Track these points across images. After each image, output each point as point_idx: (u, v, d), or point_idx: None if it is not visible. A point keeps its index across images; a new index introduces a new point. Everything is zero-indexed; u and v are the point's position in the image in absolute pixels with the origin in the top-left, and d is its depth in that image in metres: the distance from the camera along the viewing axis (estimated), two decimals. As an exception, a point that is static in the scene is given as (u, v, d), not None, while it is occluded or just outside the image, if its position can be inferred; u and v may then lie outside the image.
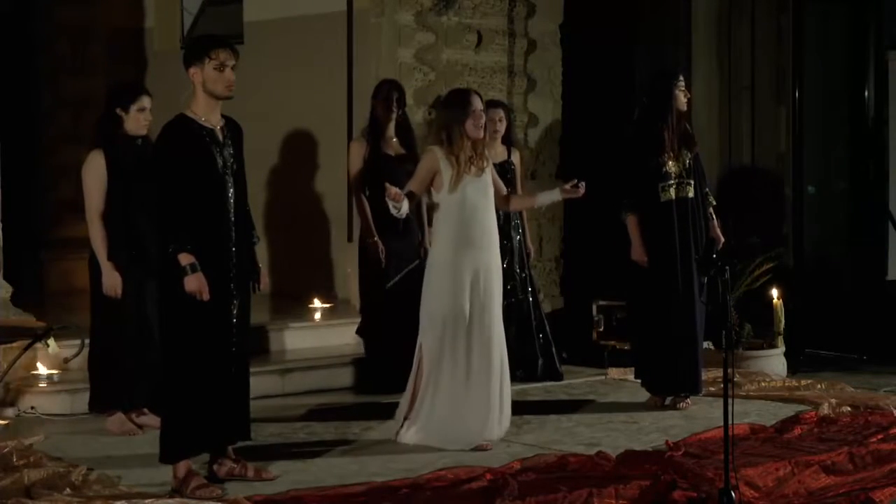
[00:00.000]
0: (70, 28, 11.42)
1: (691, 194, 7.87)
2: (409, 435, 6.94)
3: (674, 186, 7.84)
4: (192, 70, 6.07)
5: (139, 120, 7.22)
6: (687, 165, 7.87)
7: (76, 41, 11.45)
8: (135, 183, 7.11)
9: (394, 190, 6.69)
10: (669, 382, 7.94)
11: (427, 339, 6.92)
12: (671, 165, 7.83)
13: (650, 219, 7.85)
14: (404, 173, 8.49)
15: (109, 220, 7.14)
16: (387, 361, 8.41)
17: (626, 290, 8.21)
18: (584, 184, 7.06)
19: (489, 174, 6.99)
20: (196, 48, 6.13)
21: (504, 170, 8.49)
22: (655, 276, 7.85)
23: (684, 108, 7.91)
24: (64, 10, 11.35)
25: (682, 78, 7.94)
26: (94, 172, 7.16)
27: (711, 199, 8.09)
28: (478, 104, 6.89)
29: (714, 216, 8.05)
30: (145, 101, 7.26)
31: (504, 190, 7.28)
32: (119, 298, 7.10)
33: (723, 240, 8.01)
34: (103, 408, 7.31)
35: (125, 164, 7.16)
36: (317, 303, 9.60)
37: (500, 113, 8.68)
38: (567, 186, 7.12)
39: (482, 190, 6.92)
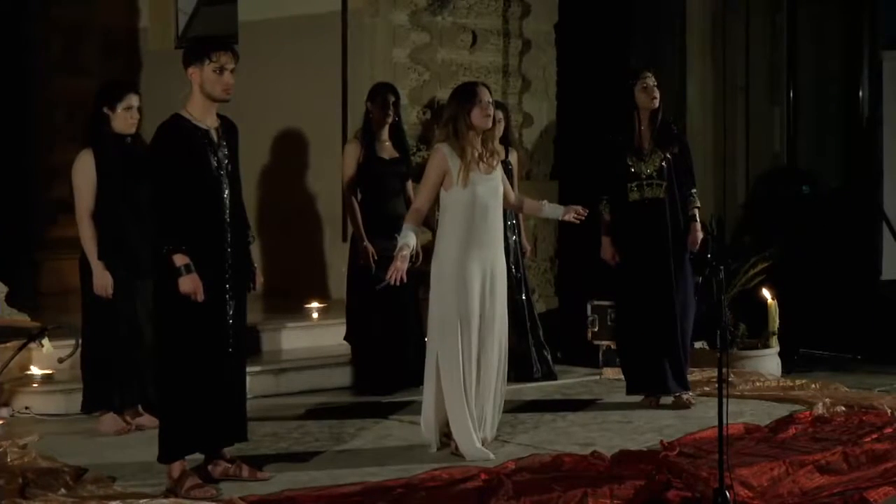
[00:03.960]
0: (64, 27, 11.40)
1: (661, 195, 7.86)
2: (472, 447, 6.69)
3: (642, 187, 7.85)
4: (190, 70, 6.06)
5: (126, 119, 7.19)
6: (657, 166, 7.86)
7: (70, 41, 11.43)
8: (123, 182, 7.10)
9: (398, 271, 6.57)
10: (639, 382, 7.98)
11: (444, 345, 6.70)
12: (638, 166, 7.84)
13: (620, 218, 7.90)
14: (397, 176, 8.53)
15: (98, 220, 7.13)
16: (379, 362, 8.42)
17: (610, 289, 8.29)
18: (586, 212, 7.09)
19: (499, 173, 6.87)
20: (197, 49, 6.10)
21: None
22: (623, 276, 7.93)
23: (653, 105, 7.84)
24: (58, 10, 11.34)
25: (645, 76, 7.87)
26: (84, 172, 7.15)
27: (696, 200, 8.05)
28: (485, 95, 6.72)
29: (697, 218, 8.03)
30: (132, 100, 7.22)
31: (513, 195, 7.18)
32: (109, 298, 7.09)
33: (699, 240, 7.99)
34: (95, 408, 7.30)
35: (114, 164, 7.15)
36: (311, 303, 9.59)
37: (500, 114, 8.67)
38: (573, 212, 7.06)
39: (493, 189, 6.78)
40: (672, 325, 7.84)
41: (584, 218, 7.10)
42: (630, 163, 7.84)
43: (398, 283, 6.67)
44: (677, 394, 7.92)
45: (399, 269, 6.59)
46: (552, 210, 7.27)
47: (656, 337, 7.85)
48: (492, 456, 6.60)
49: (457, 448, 6.70)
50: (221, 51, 6.05)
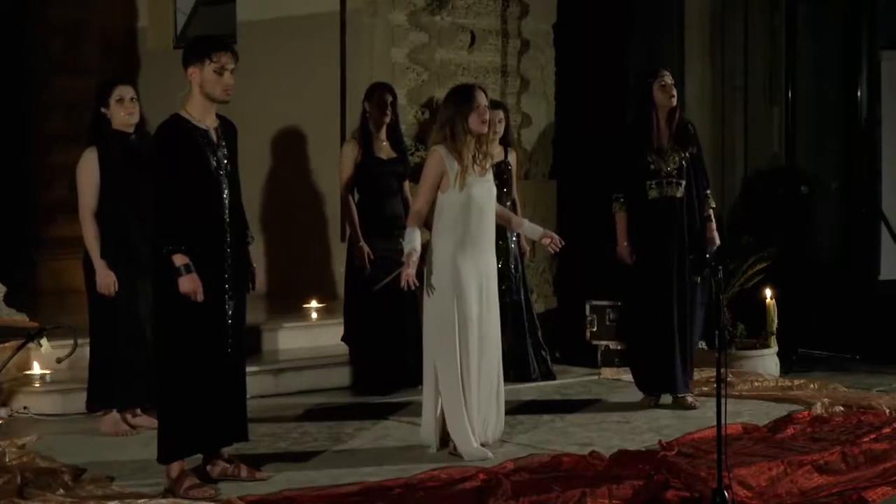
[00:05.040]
0: (63, 27, 11.41)
1: (679, 194, 7.86)
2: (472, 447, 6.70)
3: (660, 185, 7.84)
4: (190, 70, 6.04)
5: (121, 111, 7.17)
6: (677, 164, 7.86)
7: (69, 41, 11.44)
8: (127, 181, 7.10)
9: (409, 277, 6.61)
10: (649, 380, 7.97)
11: (440, 346, 6.71)
12: (658, 164, 7.84)
13: (637, 217, 7.87)
14: (394, 176, 8.53)
15: (102, 219, 7.13)
16: (377, 363, 8.41)
17: (617, 287, 8.25)
18: (563, 244, 7.07)
19: (491, 175, 6.89)
20: (197, 48, 6.09)
21: (500, 170, 8.50)
22: (637, 274, 7.89)
23: (671, 104, 7.84)
24: (57, 10, 11.34)
25: (663, 74, 7.88)
26: (87, 170, 7.15)
27: (711, 201, 8.05)
28: (482, 99, 6.73)
29: (713, 218, 8.03)
30: (121, 91, 7.18)
31: (497, 205, 7.12)
32: (112, 297, 7.09)
33: (717, 243, 8.00)
34: (99, 407, 7.30)
35: (118, 162, 7.15)
36: (311, 303, 9.59)
37: (500, 114, 8.67)
38: (549, 238, 7.06)
39: (488, 191, 6.79)
40: (690, 326, 7.84)
41: (559, 248, 7.08)
42: (650, 160, 7.82)
43: (412, 287, 6.70)
44: (682, 394, 7.92)
45: (410, 275, 6.63)
46: (531, 230, 7.25)
47: (673, 337, 7.83)
48: (490, 455, 6.60)
49: (455, 448, 6.71)
50: (223, 51, 6.04)
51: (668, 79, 7.87)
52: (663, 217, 7.83)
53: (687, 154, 7.89)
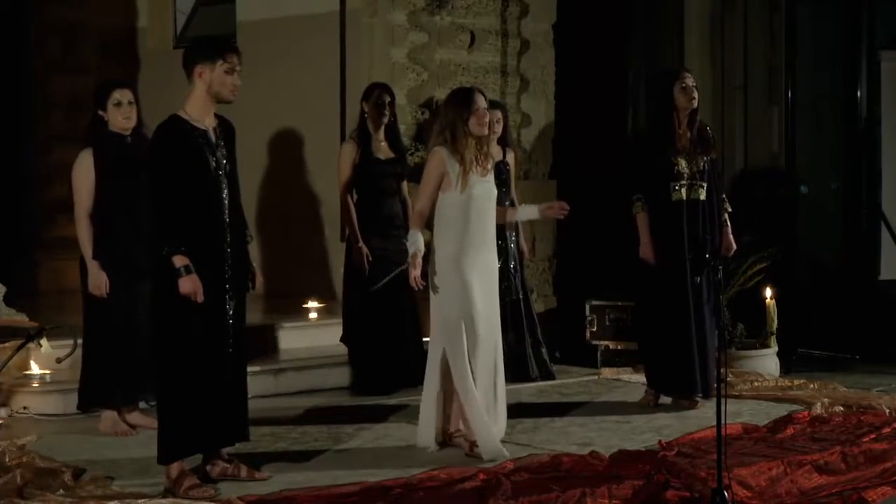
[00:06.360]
0: (62, 28, 11.41)
1: (703, 196, 7.83)
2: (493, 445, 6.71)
3: (685, 187, 7.81)
4: (198, 68, 6.02)
5: (117, 115, 7.17)
6: (701, 167, 7.84)
7: (68, 41, 11.44)
8: (122, 182, 7.10)
9: (416, 276, 6.73)
10: (667, 381, 7.93)
11: (450, 347, 6.72)
12: (683, 165, 7.81)
13: (660, 218, 7.83)
14: (393, 176, 8.53)
15: (97, 220, 7.13)
16: (377, 363, 8.41)
17: (633, 288, 8.20)
18: (568, 208, 7.07)
19: (492, 175, 6.92)
20: (209, 48, 6.08)
21: (499, 170, 8.48)
22: (663, 275, 7.83)
23: (691, 105, 7.80)
24: (56, 10, 11.35)
25: (684, 76, 7.85)
26: (82, 172, 7.15)
27: (727, 205, 8.04)
28: (481, 102, 6.77)
29: (728, 223, 8.02)
30: (118, 95, 7.19)
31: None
32: (106, 297, 7.09)
33: (734, 247, 7.99)
34: (91, 406, 7.30)
35: (113, 164, 7.15)
36: (310, 303, 9.59)
37: (499, 114, 8.67)
38: (550, 207, 7.09)
39: (488, 191, 6.82)
40: (704, 327, 7.82)
41: (566, 212, 7.10)
42: (675, 161, 7.80)
43: (420, 288, 6.78)
44: (697, 395, 7.91)
45: (417, 277, 6.72)
46: (530, 212, 7.33)
47: (704, 338, 7.79)
48: (507, 454, 6.60)
49: (471, 448, 6.71)
50: (235, 52, 6.06)
51: (690, 80, 7.84)
52: (690, 219, 7.80)
53: (708, 157, 7.88)
